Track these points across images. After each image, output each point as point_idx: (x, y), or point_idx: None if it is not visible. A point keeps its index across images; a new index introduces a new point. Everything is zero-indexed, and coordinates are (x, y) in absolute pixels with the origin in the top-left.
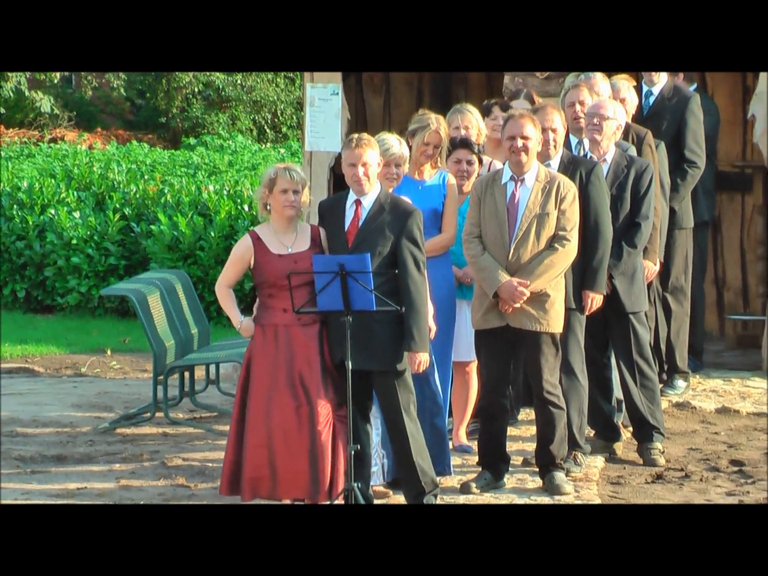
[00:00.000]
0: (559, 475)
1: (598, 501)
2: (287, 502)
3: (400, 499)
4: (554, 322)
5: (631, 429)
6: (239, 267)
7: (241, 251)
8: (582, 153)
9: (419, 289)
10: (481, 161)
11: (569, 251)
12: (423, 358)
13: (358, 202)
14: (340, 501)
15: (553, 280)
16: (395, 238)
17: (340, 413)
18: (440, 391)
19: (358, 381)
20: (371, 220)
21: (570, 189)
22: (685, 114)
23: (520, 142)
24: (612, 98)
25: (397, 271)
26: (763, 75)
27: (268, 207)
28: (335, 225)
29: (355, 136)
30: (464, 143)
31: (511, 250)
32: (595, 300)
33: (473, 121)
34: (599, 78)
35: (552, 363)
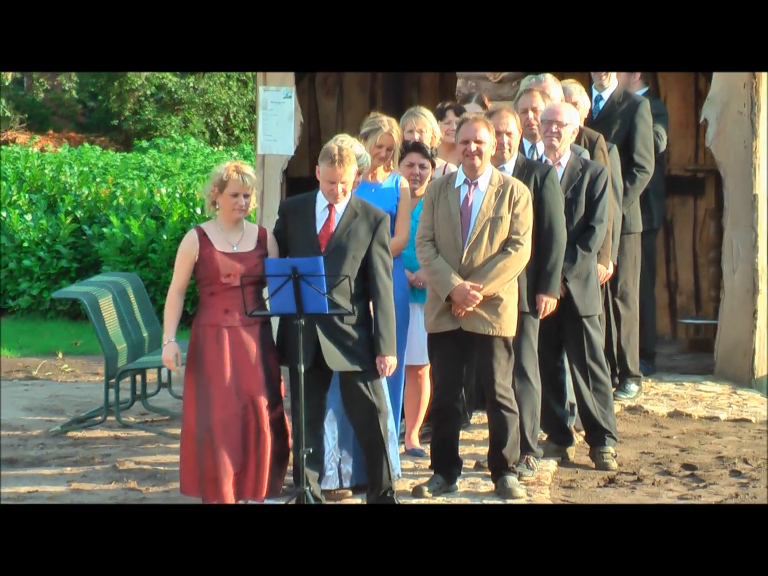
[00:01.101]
0: (512, 479)
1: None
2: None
3: (358, 500)
4: (507, 325)
5: (583, 433)
6: (187, 264)
7: (188, 246)
8: (536, 157)
9: (389, 294)
10: (433, 165)
11: (522, 255)
12: (391, 362)
13: (331, 207)
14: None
15: (506, 283)
16: (369, 242)
17: (274, 416)
18: (388, 395)
19: (316, 383)
20: (345, 225)
21: (523, 193)
22: (634, 119)
23: (473, 146)
24: (564, 101)
25: (349, 275)
26: (715, 79)
27: (217, 205)
28: (304, 227)
29: (336, 150)
30: (417, 147)
31: (464, 254)
32: (548, 303)
33: (427, 125)
34: (551, 81)
35: (504, 367)
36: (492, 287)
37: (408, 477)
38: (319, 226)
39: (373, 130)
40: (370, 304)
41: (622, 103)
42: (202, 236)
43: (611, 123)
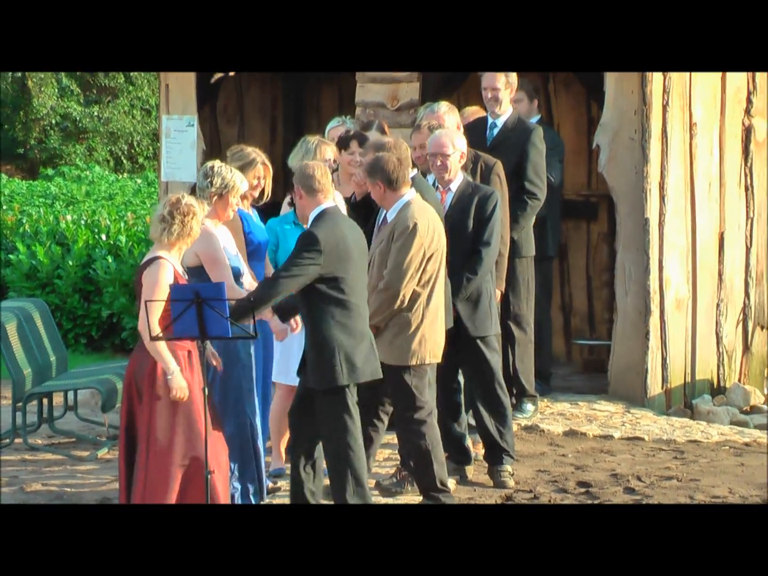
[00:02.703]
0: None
1: None
2: None
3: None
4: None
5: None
6: (164, 296)
7: (168, 276)
8: (432, 183)
9: None
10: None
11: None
12: None
13: None
14: None
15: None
16: None
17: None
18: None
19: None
20: None
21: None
22: (526, 146)
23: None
24: (457, 127)
25: (253, 299)
26: (607, 106)
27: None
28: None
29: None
30: (358, 135)
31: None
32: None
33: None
34: (444, 110)
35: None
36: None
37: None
38: None
39: (246, 163)
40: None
41: (515, 130)
42: (169, 264)
43: (504, 149)
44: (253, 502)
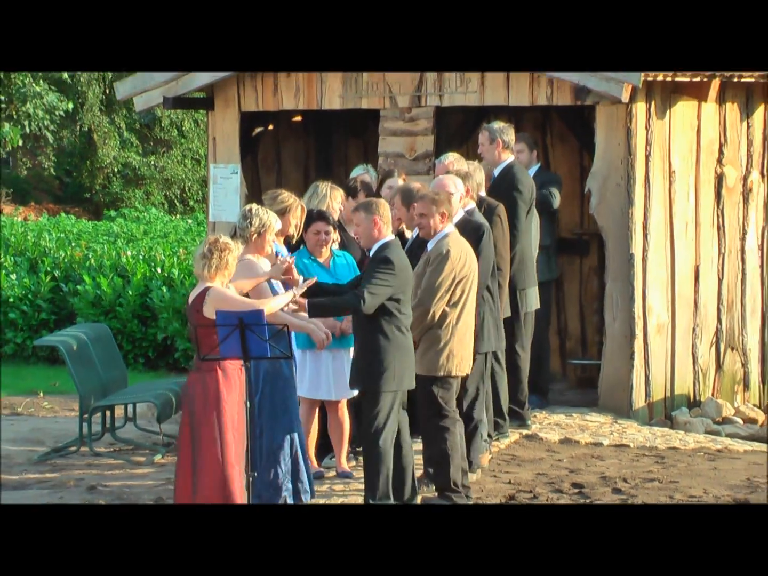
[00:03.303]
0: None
1: None
2: None
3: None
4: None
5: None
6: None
7: (230, 290)
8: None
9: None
10: (335, 229)
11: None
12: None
13: None
14: None
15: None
16: None
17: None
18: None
19: None
20: None
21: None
22: (512, 193)
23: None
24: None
25: (287, 325)
26: (597, 156)
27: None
28: None
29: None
30: (321, 216)
31: None
32: None
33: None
34: (450, 160)
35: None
36: None
37: (338, 496)
38: None
39: (287, 207)
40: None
41: (504, 178)
42: None
43: (493, 196)
44: (304, 500)
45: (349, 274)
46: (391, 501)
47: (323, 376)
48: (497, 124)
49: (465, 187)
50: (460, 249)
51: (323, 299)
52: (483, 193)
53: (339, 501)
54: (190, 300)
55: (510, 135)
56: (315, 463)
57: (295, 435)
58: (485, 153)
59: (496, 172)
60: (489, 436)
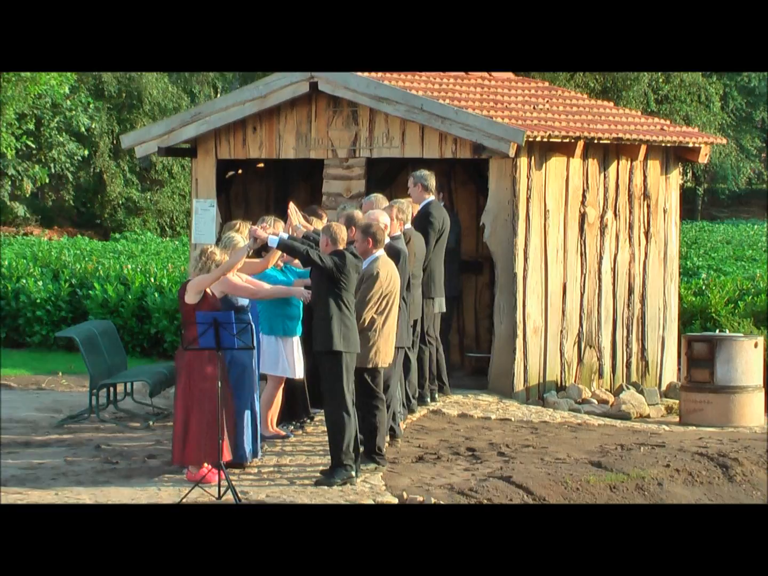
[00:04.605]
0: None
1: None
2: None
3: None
4: None
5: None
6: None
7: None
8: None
9: None
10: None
11: None
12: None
13: None
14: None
15: None
16: None
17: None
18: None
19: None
20: None
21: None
22: (426, 225)
23: None
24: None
25: (250, 323)
26: (490, 197)
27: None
28: None
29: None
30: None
31: None
32: None
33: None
34: (375, 199)
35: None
36: None
37: (287, 455)
38: None
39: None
40: None
41: (421, 213)
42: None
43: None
44: (258, 457)
45: (295, 274)
46: (351, 456)
47: (282, 357)
48: (420, 172)
49: (392, 218)
50: (387, 270)
51: (296, 243)
52: (408, 225)
53: (287, 459)
54: (181, 292)
55: (430, 180)
56: (275, 427)
57: (254, 401)
58: (412, 193)
59: (419, 208)
60: (403, 405)
